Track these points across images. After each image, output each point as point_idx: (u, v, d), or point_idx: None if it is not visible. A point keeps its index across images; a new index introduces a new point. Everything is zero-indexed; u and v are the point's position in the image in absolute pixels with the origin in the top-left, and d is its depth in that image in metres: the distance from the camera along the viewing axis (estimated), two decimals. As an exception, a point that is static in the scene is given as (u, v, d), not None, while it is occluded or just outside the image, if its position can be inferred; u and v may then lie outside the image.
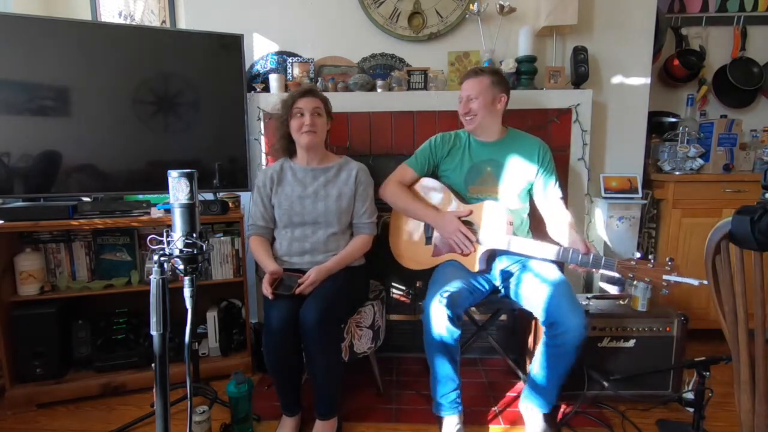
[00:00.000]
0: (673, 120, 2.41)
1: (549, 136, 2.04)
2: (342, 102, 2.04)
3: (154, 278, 0.86)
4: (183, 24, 2.32)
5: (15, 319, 1.73)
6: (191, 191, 0.89)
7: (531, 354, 1.77)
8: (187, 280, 0.90)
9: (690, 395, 1.65)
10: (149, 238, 0.93)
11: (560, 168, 2.08)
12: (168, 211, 1.50)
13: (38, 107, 1.74)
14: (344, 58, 2.24)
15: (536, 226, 1.80)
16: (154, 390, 0.89)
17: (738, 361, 0.93)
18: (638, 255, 1.40)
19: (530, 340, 1.87)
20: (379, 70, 2.23)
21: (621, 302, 1.83)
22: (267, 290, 1.53)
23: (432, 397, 1.59)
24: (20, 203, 1.80)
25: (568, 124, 2.08)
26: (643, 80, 2.20)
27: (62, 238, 1.85)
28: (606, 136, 2.23)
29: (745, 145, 2.34)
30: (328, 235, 1.68)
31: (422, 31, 2.20)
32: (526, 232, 1.77)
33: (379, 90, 2.10)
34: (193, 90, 1.94)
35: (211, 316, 1.99)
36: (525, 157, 1.70)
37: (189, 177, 0.88)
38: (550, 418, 1.53)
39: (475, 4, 2.09)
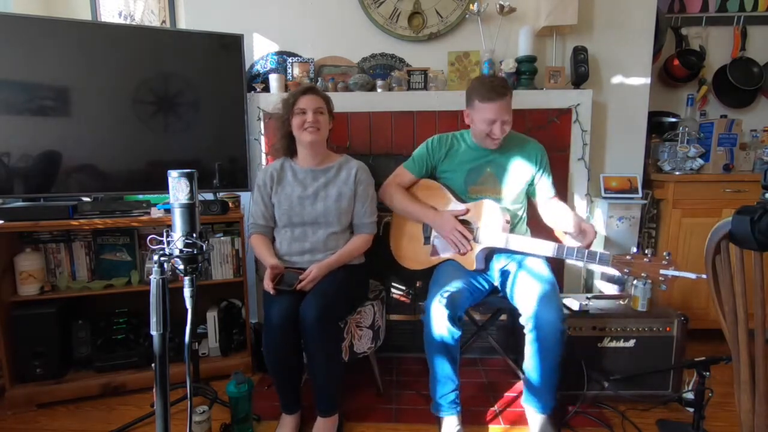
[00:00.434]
0: (673, 120, 2.41)
1: (549, 136, 2.04)
2: (342, 102, 2.04)
3: (154, 278, 0.86)
4: (183, 24, 2.32)
5: (15, 319, 1.73)
6: (191, 191, 0.89)
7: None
8: (187, 280, 0.90)
9: (690, 395, 1.65)
10: (149, 238, 0.93)
11: (560, 168, 2.09)
12: (168, 211, 1.50)
13: (38, 107, 1.74)
14: (344, 58, 2.24)
15: (534, 224, 1.80)
16: (154, 390, 0.89)
17: (738, 361, 0.93)
18: (634, 250, 1.40)
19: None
20: (379, 70, 2.23)
21: (621, 302, 1.83)
22: (268, 285, 1.52)
23: (431, 397, 1.59)
24: (20, 203, 1.80)
25: (568, 124, 2.08)
26: (643, 80, 2.20)
27: (62, 238, 1.84)
28: (606, 136, 2.23)
29: (745, 145, 2.34)
30: (328, 235, 1.68)
31: (422, 31, 2.20)
32: (524, 229, 1.78)
33: (379, 90, 2.10)
34: (193, 90, 1.94)
35: (211, 316, 1.99)
36: (525, 159, 1.72)
37: (189, 177, 0.88)
38: (550, 420, 1.52)
39: (475, 4, 2.09)
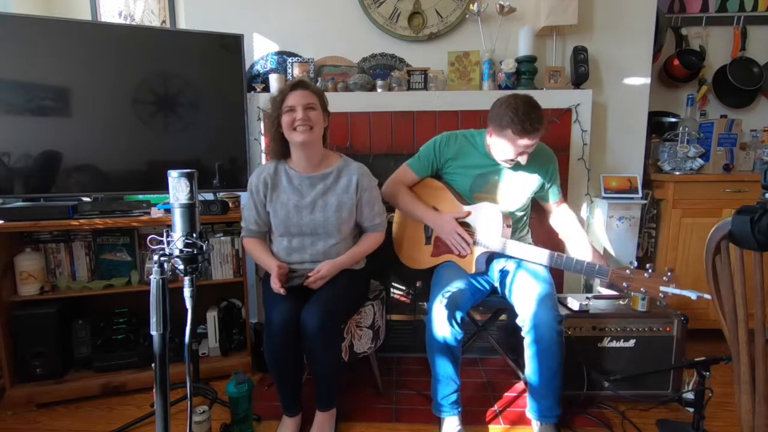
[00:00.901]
0: (673, 120, 2.41)
1: (549, 136, 2.04)
2: (342, 102, 2.04)
3: (154, 278, 0.86)
4: (183, 24, 2.32)
5: (15, 319, 1.73)
6: (191, 191, 0.89)
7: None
8: (187, 280, 0.90)
9: (690, 395, 1.65)
10: (149, 238, 0.93)
11: (560, 168, 2.07)
12: (168, 211, 1.50)
13: (38, 107, 1.74)
14: (344, 58, 2.24)
15: (536, 226, 1.80)
16: (154, 390, 0.89)
17: (738, 361, 0.93)
18: (635, 264, 1.36)
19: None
20: (379, 70, 2.23)
21: (621, 302, 1.83)
22: (276, 285, 1.49)
23: (432, 398, 1.59)
24: (20, 203, 1.80)
25: (568, 124, 2.08)
26: (643, 80, 2.20)
27: (62, 238, 1.84)
28: (606, 136, 2.23)
29: (745, 145, 2.34)
30: (329, 247, 1.61)
31: (422, 31, 2.20)
32: (525, 231, 1.78)
33: (379, 90, 2.10)
34: (193, 90, 1.94)
35: (211, 316, 1.99)
36: (536, 171, 1.67)
37: (189, 177, 0.88)
38: (555, 430, 1.50)
39: (475, 4, 2.09)
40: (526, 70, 2.10)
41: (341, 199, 1.60)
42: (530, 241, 1.81)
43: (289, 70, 2.18)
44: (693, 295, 1.23)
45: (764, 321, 0.86)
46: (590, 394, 1.72)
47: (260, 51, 2.25)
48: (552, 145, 1.79)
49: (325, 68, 2.23)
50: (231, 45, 1.98)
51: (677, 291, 1.27)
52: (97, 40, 1.80)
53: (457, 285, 1.53)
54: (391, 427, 1.64)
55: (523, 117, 1.44)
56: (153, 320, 0.87)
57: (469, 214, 1.65)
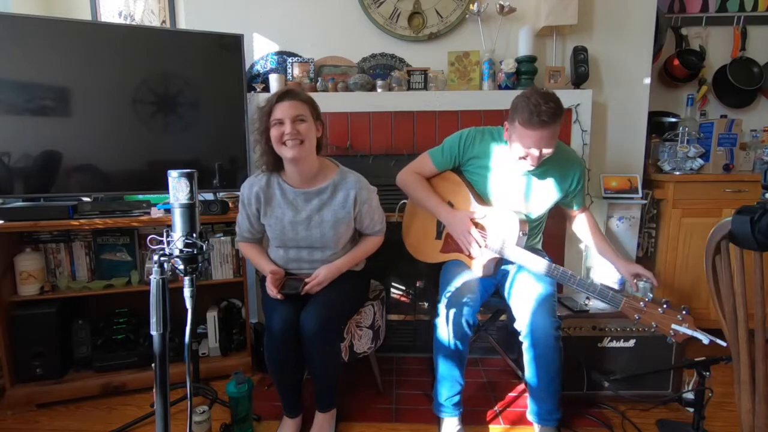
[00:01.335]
0: (673, 120, 2.41)
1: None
2: (342, 102, 2.04)
3: (154, 278, 0.86)
4: (183, 24, 2.32)
5: (15, 319, 1.73)
6: (191, 191, 0.89)
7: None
8: (187, 280, 0.90)
9: (690, 395, 1.65)
10: (149, 238, 0.93)
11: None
12: (168, 211, 1.50)
13: (38, 107, 1.74)
14: (344, 58, 2.24)
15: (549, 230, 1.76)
16: (154, 390, 0.89)
17: (738, 361, 0.93)
18: (650, 295, 1.33)
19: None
20: (379, 70, 2.23)
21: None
22: (272, 291, 1.49)
23: (433, 398, 1.59)
24: (20, 203, 1.80)
25: (568, 124, 2.08)
26: (643, 80, 2.20)
27: (62, 238, 1.84)
28: (606, 136, 2.23)
29: (745, 145, 2.34)
30: (327, 257, 1.58)
31: (422, 31, 2.20)
32: (537, 240, 1.74)
33: (379, 90, 2.10)
34: (193, 90, 1.94)
35: (211, 316, 1.99)
36: (562, 181, 1.59)
37: (189, 177, 0.88)
38: None
39: (475, 4, 2.09)
40: (526, 70, 2.10)
41: (338, 215, 1.53)
42: (540, 248, 1.76)
43: (289, 70, 2.18)
44: (705, 339, 1.21)
45: (764, 321, 0.86)
46: (590, 394, 1.72)
47: (260, 51, 2.25)
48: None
49: (325, 68, 2.23)
50: (231, 45, 1.98)
51: (689, 332, 1.22)
52: (97, 40, 1.80)
53: (467, 285, 1.50)
54: (391, 427, 1.64)
55: (533, 107, 1.34)
56: (153, 320, 0.87)
57: (484, 215, 1.54)
